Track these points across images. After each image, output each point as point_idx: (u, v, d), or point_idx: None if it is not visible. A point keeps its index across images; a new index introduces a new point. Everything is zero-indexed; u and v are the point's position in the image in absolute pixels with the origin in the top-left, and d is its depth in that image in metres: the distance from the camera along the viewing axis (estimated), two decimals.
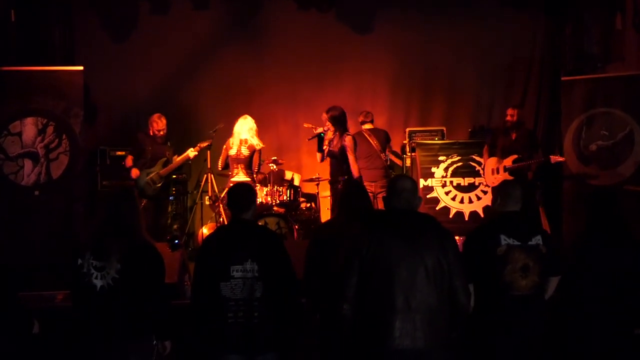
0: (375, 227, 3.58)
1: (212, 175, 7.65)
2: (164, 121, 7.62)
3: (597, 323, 4.24)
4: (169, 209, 8.18)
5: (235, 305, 3.79)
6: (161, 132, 7.62)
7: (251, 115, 7.58)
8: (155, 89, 8.86)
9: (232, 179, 7.29)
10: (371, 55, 9.21)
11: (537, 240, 4.00)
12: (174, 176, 8.11)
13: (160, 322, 3.79)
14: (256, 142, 7.40)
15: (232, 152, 7.38)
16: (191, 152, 7.60)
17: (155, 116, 7.63)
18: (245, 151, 7.36)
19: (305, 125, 8.22)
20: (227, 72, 9.04)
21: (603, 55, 8.37)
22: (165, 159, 7.66)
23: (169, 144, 7.78)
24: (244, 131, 7.40)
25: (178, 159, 7.66)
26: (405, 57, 9.23)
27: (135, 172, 7.52)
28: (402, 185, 3.62)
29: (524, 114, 8.40)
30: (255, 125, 7.48)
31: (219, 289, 3.80)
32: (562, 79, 7.97)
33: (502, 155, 7.69)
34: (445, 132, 8.90)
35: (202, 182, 7.81)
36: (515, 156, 7.61)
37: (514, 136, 7.69)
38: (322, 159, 7.17)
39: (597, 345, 4.24)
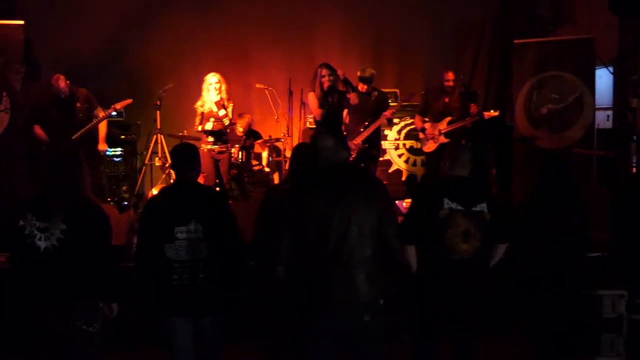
0: (301, 188, 3.53)
1: (162, 136, 7.49)
2: (62, 83, 6.78)
3: (545, 284, 4.29)
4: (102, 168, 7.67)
5: (180, 267, 3.75)
6: (63, 95, 6.80)
7: (201, 75, 7.41)
8: (101, 45, 8.55)
9: None
10: (323, 17, 9.07)
11: (481, 207, 3.99)
12: (123, 137, 7.89)
13: (107, 284, 3.72)
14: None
15: None
16: (100, 112, 6.96)
17: (53, 79, 6.80)
18: None
19: (258, 85, 8.12)
20: (177, 30, 8.78)
21: (555, 19, 8.42)
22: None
23: (78, 105, 6.93)
24: None
25: (87, 126, 6.88)
26: (358, 19, 9.12)
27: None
28: (323, 144, 3.51)
29: (476, 76, 8.40)
30: (206, 85, 7.31)
31: (163, 250, 3.74)
32: (515, 41, 7.97)
33: (435, 119, 7.64)
34: (398, 94, 8.87)
35: (151, 142, 7.63)
36: (449, 118, 7.55)
37: (447, 99, 7.62)
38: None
39: (546, 305, 4.30)
